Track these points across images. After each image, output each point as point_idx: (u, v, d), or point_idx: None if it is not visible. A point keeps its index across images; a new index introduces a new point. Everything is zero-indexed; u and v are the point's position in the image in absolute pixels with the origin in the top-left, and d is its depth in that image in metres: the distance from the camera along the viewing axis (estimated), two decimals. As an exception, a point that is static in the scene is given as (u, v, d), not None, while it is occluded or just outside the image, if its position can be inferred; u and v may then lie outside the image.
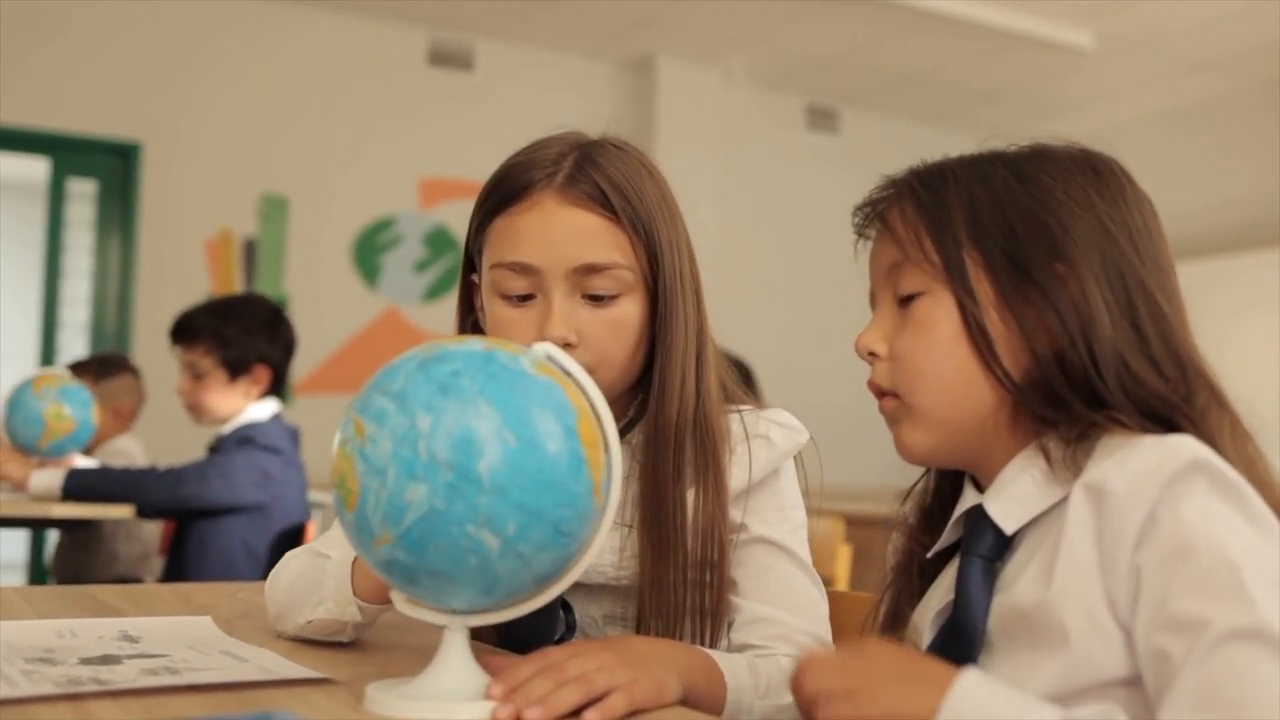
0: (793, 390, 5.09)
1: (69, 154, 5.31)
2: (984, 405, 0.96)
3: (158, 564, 3.30)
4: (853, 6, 5.46)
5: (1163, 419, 0.91)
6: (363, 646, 1.15)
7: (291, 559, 1.22)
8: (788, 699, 1.01)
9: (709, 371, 1.22)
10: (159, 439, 4.12)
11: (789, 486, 1.24)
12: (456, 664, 0.89)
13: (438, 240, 5.91)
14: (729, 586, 1.18)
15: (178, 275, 5.24)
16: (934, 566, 1.04)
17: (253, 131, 5.52)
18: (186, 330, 2.98)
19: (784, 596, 1.18)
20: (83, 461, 3.22)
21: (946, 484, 1.06)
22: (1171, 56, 5.99)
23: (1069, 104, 6.65)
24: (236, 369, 2.94)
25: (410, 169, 5.85)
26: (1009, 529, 0.93)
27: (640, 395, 1.24)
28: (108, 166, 5.38)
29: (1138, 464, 0.86)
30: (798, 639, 1.15)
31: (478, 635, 1.19)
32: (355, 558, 1.14)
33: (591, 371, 1.10)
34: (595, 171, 1.18)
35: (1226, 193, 6.31)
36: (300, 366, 3.55)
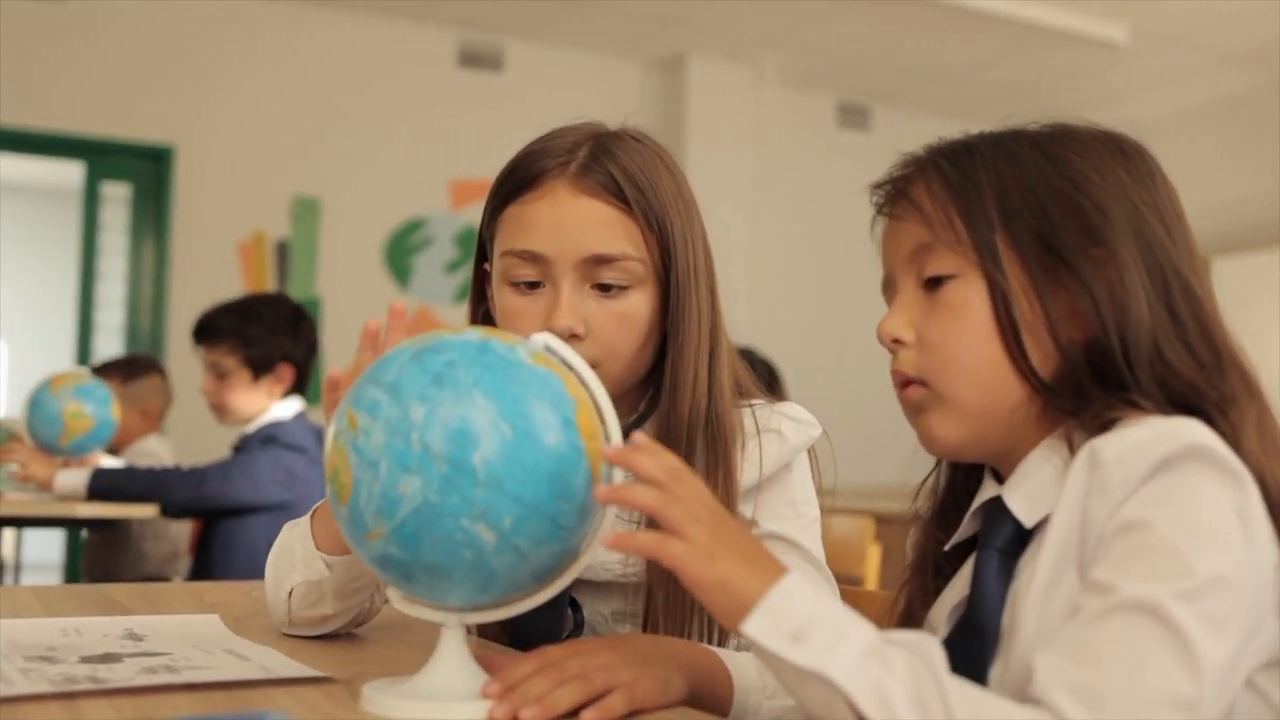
0: (822, 389, 5.05)
1: (103, 158, 5.35)
2: (1016, 395, 0.92)
3: (186, 563, 3.31)
4: (884, 3, 5.42)
5: (1188, 406, 0.88)
6: (365, 644, 1.13)
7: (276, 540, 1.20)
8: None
9: (722, 369, 1.19)
10: (189, 440, 4.14)
11: (801, 482, 1.21)
12: (453, 662, 0.87)
13: (469, 241, 5.90)
14: None
15: (211, 277, 5.26)
16: (952, 562, 1.01)
17: (284, 134, 5.54)
18: (209, 330, 2.99)
19: None
20: (109, 462, 3.23)
21: (960, 476, 1.02)
22: (1206, 50, 5.90)
23: (1103, 99, 6.55)
24: (260, 368, 2.95)
25: (441, 170, 5.85)
26: (1029, 522, 0.90)
27: (651, 390, 1.22)
28: (141, 170, 5.41)
29: (1135, 436, 0.83)
30: None
31: (485, 633, 1.18)
32: (315, 510, 1.12)
33: (598, 364, 1.08)
34: (610, 161, 1.16)
35: (1264, 187, 6.21)
36: (331, 367, 3.56)
